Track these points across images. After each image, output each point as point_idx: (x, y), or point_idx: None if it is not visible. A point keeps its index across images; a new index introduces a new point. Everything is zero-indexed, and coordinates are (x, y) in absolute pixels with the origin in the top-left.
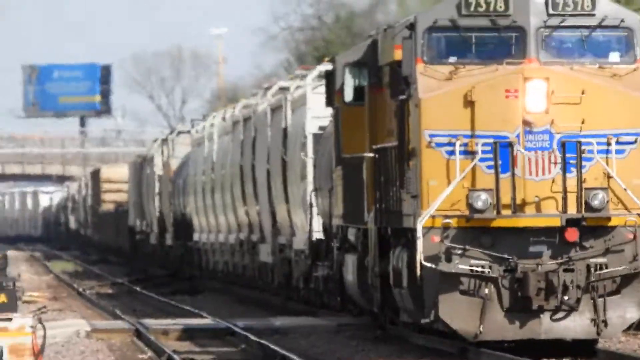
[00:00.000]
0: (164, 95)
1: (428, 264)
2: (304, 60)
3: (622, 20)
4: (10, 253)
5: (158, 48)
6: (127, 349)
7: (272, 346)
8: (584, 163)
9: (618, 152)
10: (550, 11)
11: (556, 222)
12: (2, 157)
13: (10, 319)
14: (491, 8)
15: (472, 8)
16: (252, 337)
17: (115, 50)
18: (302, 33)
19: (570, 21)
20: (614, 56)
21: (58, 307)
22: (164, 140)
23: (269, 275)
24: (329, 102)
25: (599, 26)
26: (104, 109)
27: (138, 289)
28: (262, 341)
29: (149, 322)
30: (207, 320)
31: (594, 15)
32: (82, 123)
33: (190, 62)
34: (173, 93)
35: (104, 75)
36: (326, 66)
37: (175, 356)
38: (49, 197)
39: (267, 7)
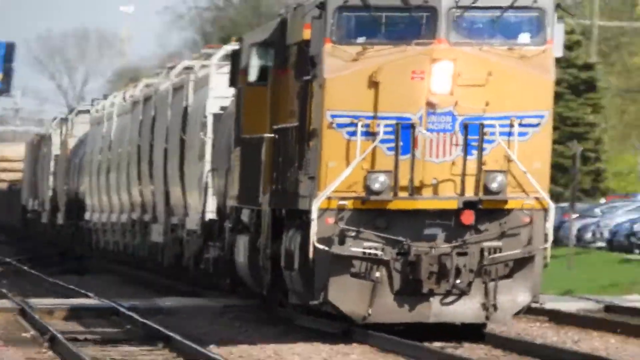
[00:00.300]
0: (66, 75)
1: (321, 246)
2: (209, 40)
3: (535, 1)
4: None
5: (65, 27)
6: (11, 327)
7: (156, 326)
8: (485, 145)
9: (520, 134)
10: None
11: (453, 205)
12: None
13: None
14: None
15: None
16: (137, 317)
17: (21, 29)
18: (209, 12)
19: (482, 1)
20: (524, 37)
21: None
22: (63, 120)
23: (160, 256)
24: (233, 82)
25: (511, 7)
26: (5, 88)
27: (26, 268)
28: (146, 321)
29: (35, 301)
30: (93, 300)
31: None
32: None
33: (96, 42)
34: (75, 73)
35: (8, 53)
36: (233, 46)
37: (58, 335)
38: None
39: None
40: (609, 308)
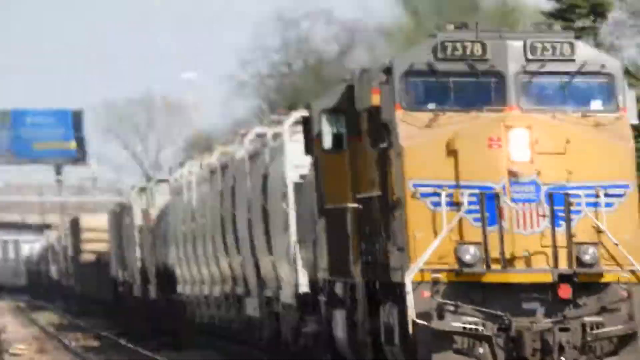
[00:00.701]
0: (139, 143)
1: (420, 321)
2: (274, 107)
3: (603, 66)
4: None
5: (128, 93)
6: None
7: None
8: (572, 216)
9: (607, 205)
10: (529, 56)
11: (548, 278)
12: None
13: None
14: (468, 52)
15: (449, 51)
16: None
17: (85, 96)
18: (272, 79)
19: (549, 67)
20: (596, 104)
21: None
22: (143, 189)
23: (257, 330)
24: (308, 150)
25: (579, 72)
26: (80, 156)
27: (123, 342)
28: None
29: None
30: None
31: (573, 60)
32: (58, 171)
33: (163, 109)
34: (147, 140)
35: (76, 121)
36: (302, 112)
37: None
38: (28, 246)
39: (235, 53)
40: None
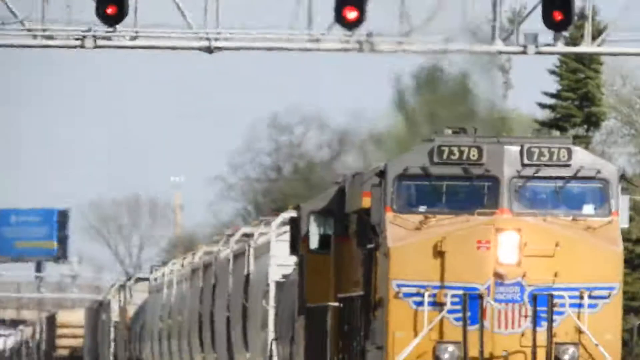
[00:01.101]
0: (121, 243)
1: None
2: (262, 210)
3: (598, 172)
4: None
5: (116, 195)
6: None
7: None
8: (555, 317)
9: (590, 306)
10: (525, 161)
11: None
12: None
13: None
14: (464, 157)
15: (445, 156)
16: None
17: (73, 196)
18: (260, 184)
19: (545, 172)
20: (589, 208)
21: None
22: (122, 286)
23: None
24: (293, 249)
25: (574, 177)
26: (61, 254)
27: None
28: None
29: None
30: None
31: (569, 165)
32: (38, 268)
33: (148, 210)
34: (130, 240)
35: (61, 220)
36: (291, 213)
37: None
38: (2, 340)
39: (225, 156)
40: None
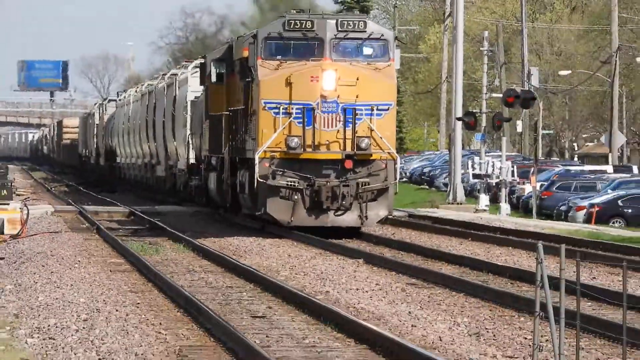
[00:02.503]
0: (99, 80)
1: (262, 180)
2: (179, 61)
3: (382, 35)
4: (10, 166)
5: (95, 52)
6: (74, 221)
7: (154, 220)
8: (357, 122)
9: (377, 115)
10: (339, 29)
11: (339, 156)
12: (6, 113)
13: (8, 204)
14: (303, 26)
15: (291, 26)
16: (145, 216)
17: (71, 52)
18: (178, 46)
19: (351, 35)
20: (377, 57)
21: (36, 197)
22: (100, 104)
23: (162, 184)
24: (202, 82)
25: (368, 39)
26: (64, 86)
27: (82, 188)
28: (150, 218)
29: (87, 207)
30: (120, 207)
31: (365, 31)
32: (52, 94)
33: (114, 61)
34: (104, 79)
35: (64, 66)
36: (200, 60)
37: (101, 225)
38: (32, 135)
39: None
40: (410, 215)
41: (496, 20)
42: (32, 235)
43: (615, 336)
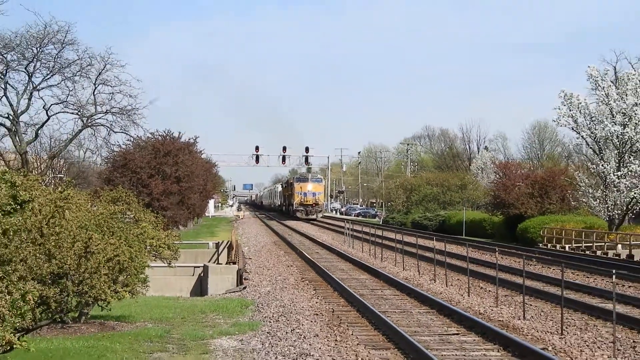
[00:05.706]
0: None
1: (294, 208)
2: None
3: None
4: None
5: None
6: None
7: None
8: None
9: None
10: (310, 180)
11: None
12: None
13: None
14: (303, 176)
15: (300, 176)
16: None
17: None
18: None
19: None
20: (319, 181)
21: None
22: (265, 187)
23: (279, 209)
24: (283, 187)
25: (317, 178)
26: None
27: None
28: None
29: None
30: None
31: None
32: None
33: None
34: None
35: None
36: (281, 183)
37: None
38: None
39: None
40: None
41: None
42: None
43: None
